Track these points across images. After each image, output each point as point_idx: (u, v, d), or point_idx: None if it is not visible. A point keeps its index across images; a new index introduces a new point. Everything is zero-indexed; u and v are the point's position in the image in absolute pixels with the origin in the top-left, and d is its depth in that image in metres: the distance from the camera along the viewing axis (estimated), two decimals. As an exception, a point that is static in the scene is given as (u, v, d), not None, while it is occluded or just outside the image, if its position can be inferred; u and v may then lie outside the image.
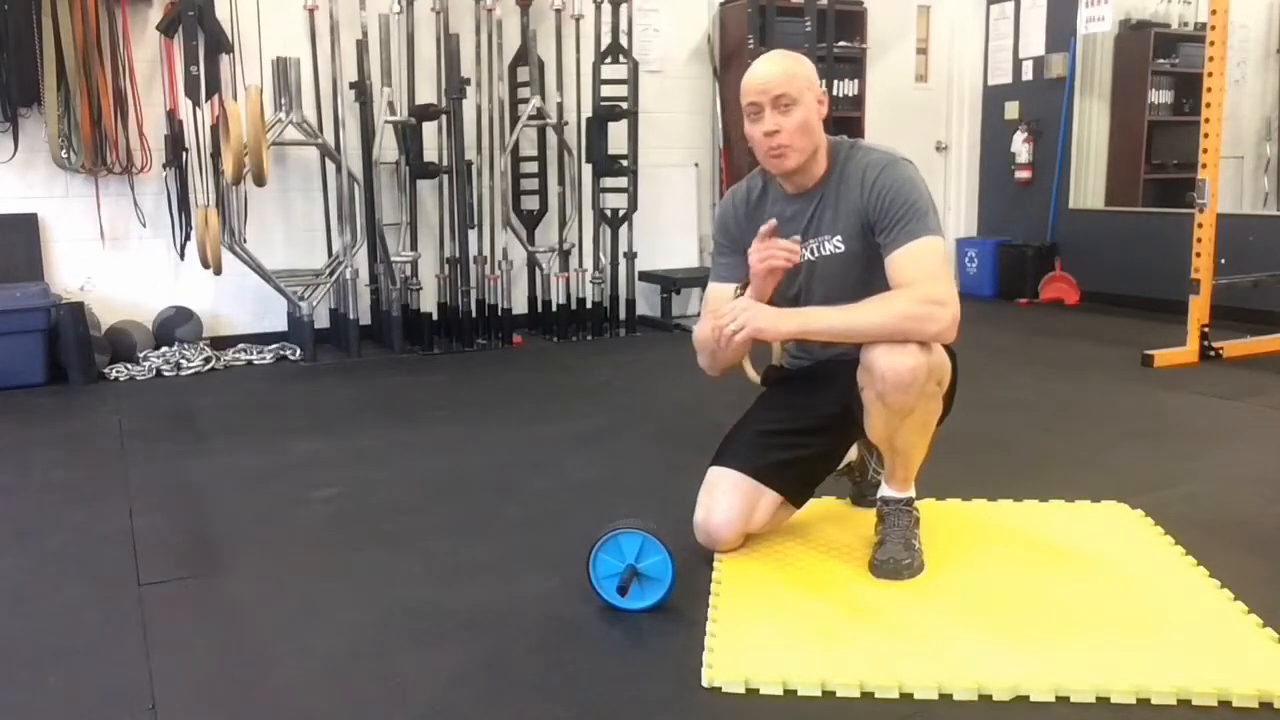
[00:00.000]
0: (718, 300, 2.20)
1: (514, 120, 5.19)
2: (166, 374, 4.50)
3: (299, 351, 4.82)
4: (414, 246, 5.03)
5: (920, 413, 2.02)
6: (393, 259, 4.92)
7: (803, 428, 2.21)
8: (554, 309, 5.35)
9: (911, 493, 2.16)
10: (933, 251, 2.00)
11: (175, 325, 4.73)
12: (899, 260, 2.00)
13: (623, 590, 1.98)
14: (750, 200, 2.23)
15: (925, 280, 1.97)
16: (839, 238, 2.10)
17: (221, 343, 4.85)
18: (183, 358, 4.56)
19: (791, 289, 2.17)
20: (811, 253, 2.14)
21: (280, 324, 5.01)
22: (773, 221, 2.08)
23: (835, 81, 5.96)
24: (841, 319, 1.99)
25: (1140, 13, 6.00)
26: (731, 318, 2.01)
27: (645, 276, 5.59)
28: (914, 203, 2.01)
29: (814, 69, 2.14)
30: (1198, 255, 4.34)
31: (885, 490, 2.17)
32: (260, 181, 4.38)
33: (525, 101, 5.15)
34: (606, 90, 5.29)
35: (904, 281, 1.99)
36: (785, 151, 2.04)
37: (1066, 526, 2.40)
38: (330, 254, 5.09)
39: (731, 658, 1.77)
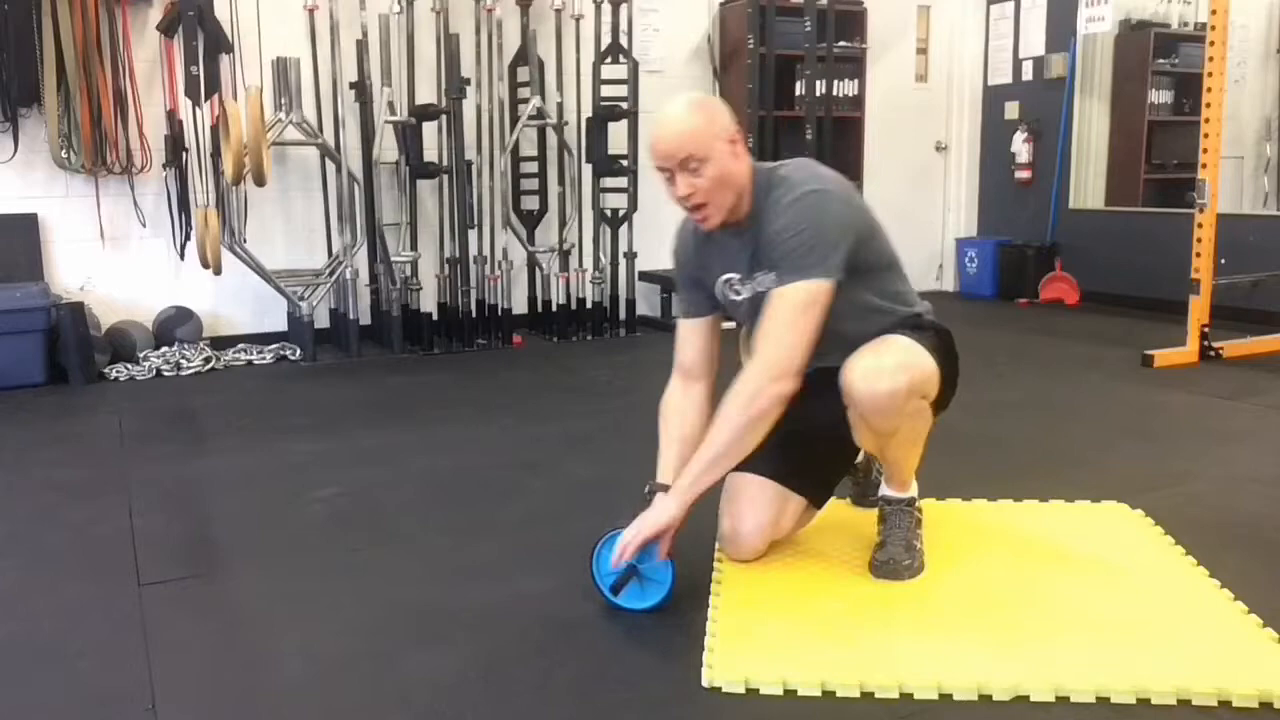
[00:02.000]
0: (682, 339, 2.18)
1: (514, 120, 5.19)
2: (166, 374, 4.50)
3: (299, 351, 4.82)
4: (414, 246, 5.03)
5: (907, 429, 2.01)
6: (393, 259, 4.92)
7: (815, 428, 2.15)
8: (554, 309, 5.35)
9: (912, 493, 2.16)
10: (792, 302, 1.91)
11: (175, 325, 4.73)
12: (766, 308, 1.96)
13: (616, 589, 1.98)
14: (699, 232, 2.12)
15: (768, 343, 1.92)
16: (773, 275, 1.99)
17: (221, 343, 4.85)
18: (183, 358, 4.56)
19: (745, 325, 2.14)
20: (751, 290, 2.05)
21: (280, 324, 5.01)
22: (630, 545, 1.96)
23: (835, 81, 5.96)
24: (712, 462, 1.94)
25: (1140, 13, 6.00)
26: (622, 547, 1.93)
27: (645, 276, 5.59)
28: (797, 246, 1.91)
29: (719, 109, 1.99)
30: (1198, 255, 4.34)
31: (886, 490, 2.17)
32: (260, 181, 4.38)
33: (525, 101, 5.15)
34: (606, 90, 5.28)
35: (760, 334, 1.95)
36: (706, 212, 1.97)
37: (1066, 526, 2.40)
38: (330, 254, 5.09)
39: (731, 658, 1.77)
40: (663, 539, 1.95)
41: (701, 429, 2.03)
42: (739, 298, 2.08)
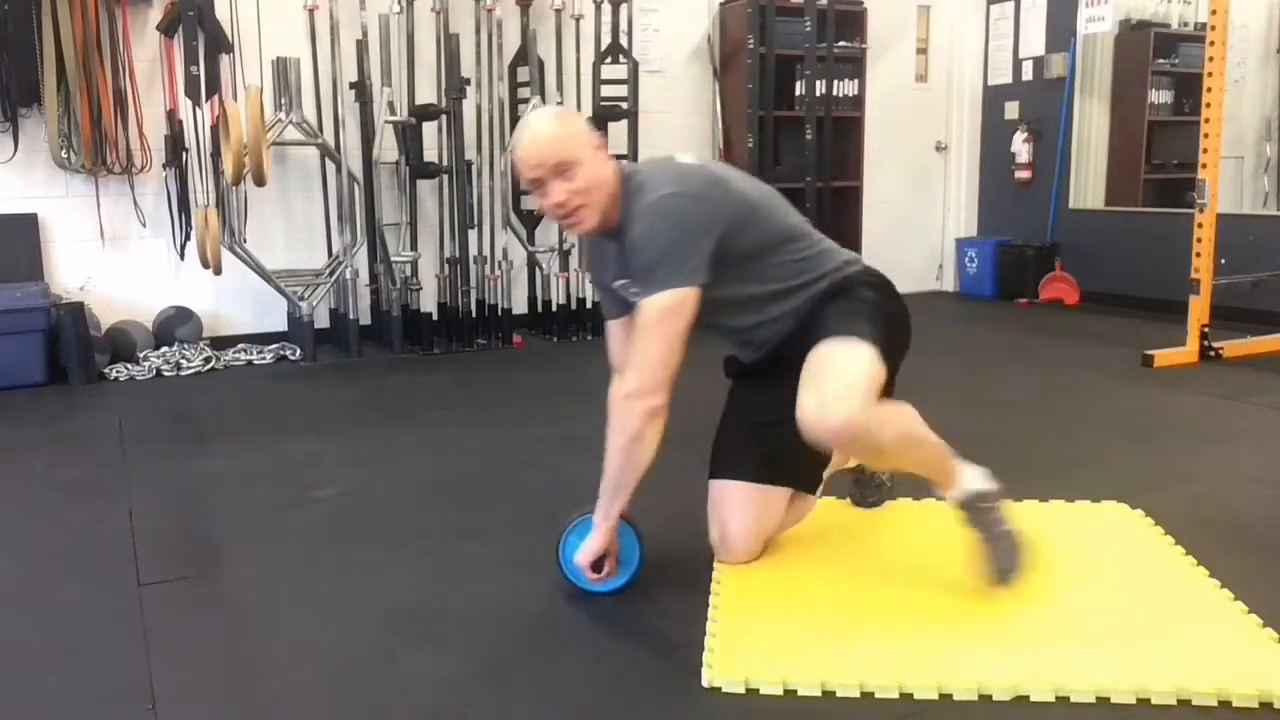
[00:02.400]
0: (610, 340, 2.21)
1: (514, 120, 5.19)
2: (166, 374, 4.50)
3: (299, 351, 4.82)
4: (414, 246, 5.03)
5: (891, 439, 1.94)
6: (393, 259, 4.92)
7: (780, 416, 2.03)
8: (554, 309, 5.35)
9: (969, 485, 2.02)
10: (648, 317, 1.89)
11: (175, 325, 4.73)
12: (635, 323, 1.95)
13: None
14: (590, 236, 2.12)
15: (633, 360, 1.91)
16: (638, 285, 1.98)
17: (221, 343, 4.85)
18: (183, 358, 4.56)
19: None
20: (632, 295, 2.03)
21: (280, 324, 5.01)
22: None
23: (835, 81, 5.96)
24: (614, 490, 1.97)
25: (1140, 13, 6.00)
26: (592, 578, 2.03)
27: (645, 276, 5.59)
28: (651, 256, 1.89)
29: (580, 118, 2.07)
30: (1198, 255, 4.34)
31: (942, 496, 2.09)
32: (260, 181, 4.38)
33: (525, 101, 5.15)
34: (606, 90, 5.29)
35: (630, 353, 1.95)
36: (581, 215, 1.95)
37: (1066, 526, 2.40)
38: (330, 254, 5.09)
39: (731, 658, 1.77)
40: (606, 560, 2.03)
41: None
42: (639, 299, 2.02)
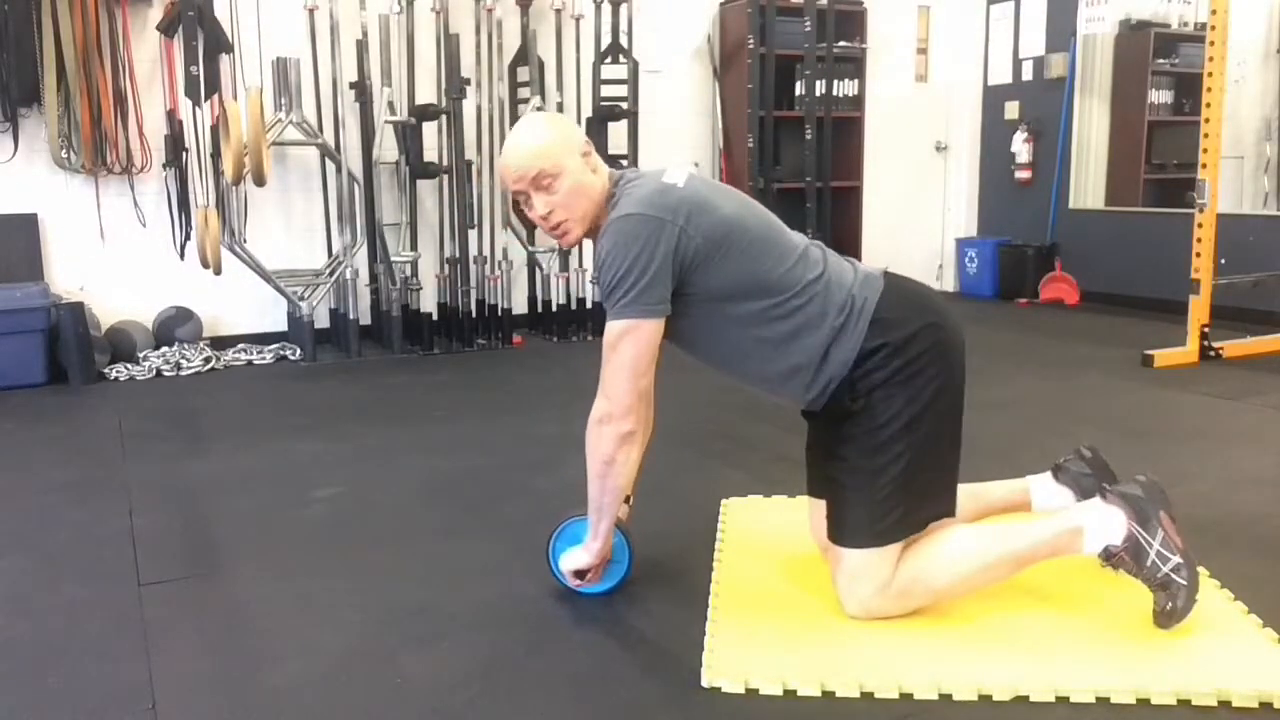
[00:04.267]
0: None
1: (514, 120, 5.19)
2: (166, 374, 4.50)
3: (299, 351, 4.82)
4: (414, 246, 5.03)
5: (952, 591, 1.89)
6: (393, 259, 4.92)
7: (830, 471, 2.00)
8: (554, 309, 5.35)
9: (1088, 551, 1.89)
10: (607, 342, 1.85)
11: (175, 325, 4.74)
12: None
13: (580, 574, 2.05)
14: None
15: (602, 385, 1.87)
16: None
17: (221, 343, 4.85)
18: (183, 358, 4.56)
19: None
20: None
21: (280, 324, 5.01)
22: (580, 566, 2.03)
23: (835, 81, 5.96)
24: (598, 510, 1.95)
25: (1140, 13, 6.00)
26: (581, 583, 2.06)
27: (645, 276, 5.59)
28: (606, 281, 1.83)
29: (568, 124, 2.00)
30: (1198, 255, 4.34)
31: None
32: (260, 181, 4.38)
33: (525, 101, 5.15)
34: (606, 90, 5.29)
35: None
36: (566, 227, 1.92)
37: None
38: (330, 254, 5.09)
39: (731, 658, 1.77)
40: (593, 571, 2.04)
41: (647, 424, 2.06)
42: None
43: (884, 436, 1.84)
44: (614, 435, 1.88)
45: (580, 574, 2.04)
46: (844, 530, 1.89)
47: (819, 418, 1.97)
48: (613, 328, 1.84)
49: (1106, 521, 1.86)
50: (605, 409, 1.87)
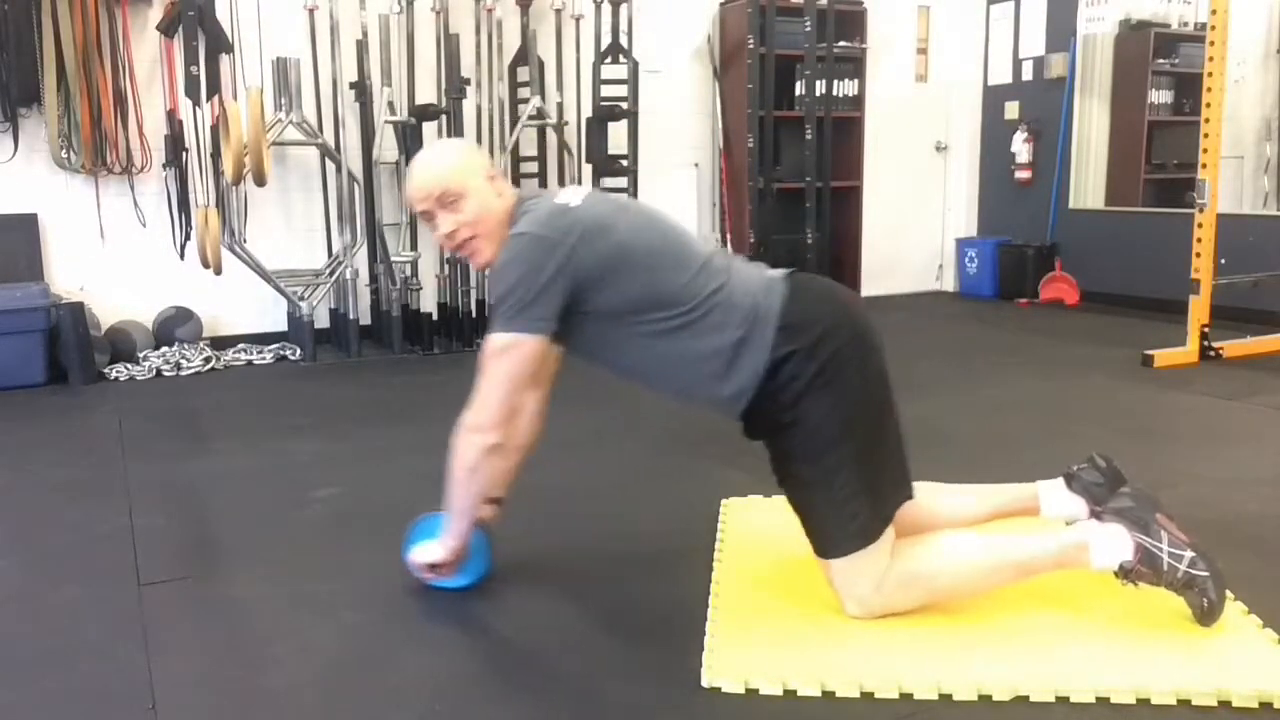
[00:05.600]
0: None
1: (514, 120, 5.19)
2: (166, 374, 4.50)
3: (299, 351, 4.82)
4: (414, 246, 5.03)
5: (954, 591, 1.91)
6: (393, 259, 4.92)
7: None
8: (554, 309, 5.34)
9: (1098, 568, 1.88)
10: (485, 353, 1.88)
11: (175, 325, 4.74)
12: None
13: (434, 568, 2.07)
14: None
15: (476, 394, 1.90)
16: None
17: (221, 343, 4.85)
18: (183, 358, 4.56)
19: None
20: None
21: (280, 324, 5.01)
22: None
23: (835, 81, 5.96)
24: (459, 512, 1.98)
25: (1140, 13, 6.00)
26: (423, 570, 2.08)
27: (645, 276, 5.58)
28: (498, 292, 1.88)
29: (474, 149, 2.04)
30: (1198, 255, 4.34)
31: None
32: (260, 181, 4.38)
33: (525, 101, 5.15)
34: (606, 90, 5.29)
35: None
36: (474, 245, 1.95)
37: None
38: (330, 254, 5.09)
39: (731, 658, 1.77)
40: (445, 566, 2.06)
41: (527, 434, 2.18)
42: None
43: (823, 442, 1.84)
44: (479, 446, 1.91)
45: (433, 567, 2.07)
46: (822, 544, 1.90)
47: (763, 438, 1.97)
48: (495, 340, 1.87)
49: (1112, 539, 1.86)
50: (475, 419, 1.90)
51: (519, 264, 1.83)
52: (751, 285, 1.90)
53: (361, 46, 4.87)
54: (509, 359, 1.86)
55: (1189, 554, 1.82)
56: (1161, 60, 6.05)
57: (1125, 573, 1.84)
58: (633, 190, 5.30)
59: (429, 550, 2.06)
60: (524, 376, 1.89)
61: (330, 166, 5.00)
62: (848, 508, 1.84)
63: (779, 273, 1.96)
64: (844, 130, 6.05)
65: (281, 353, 4.82)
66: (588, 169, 5.36)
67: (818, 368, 1.82)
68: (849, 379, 1.84)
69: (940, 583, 1.90)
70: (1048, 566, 1.90)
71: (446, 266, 5.11)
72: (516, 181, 5.41)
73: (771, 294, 1.88)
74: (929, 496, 2.07)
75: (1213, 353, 4.39)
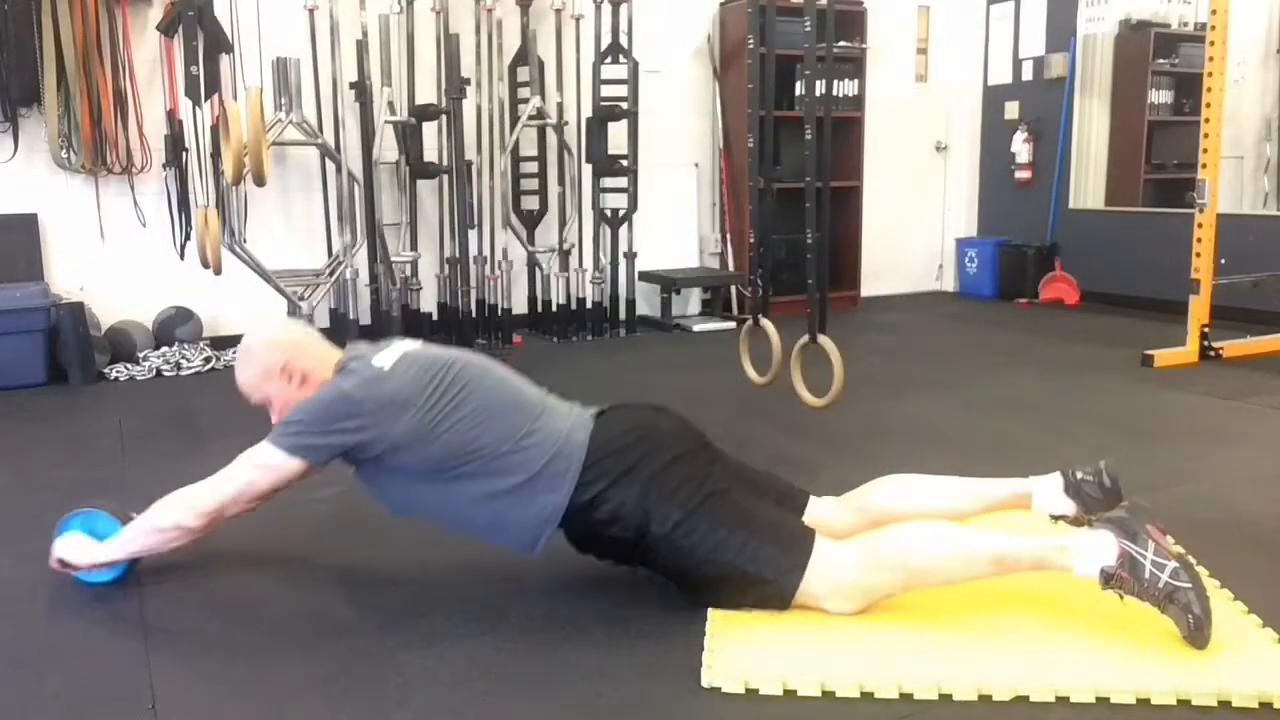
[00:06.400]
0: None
1: (514, 120, 5.19)
2: (166, 374, 4.50)
3: (299, 351, 4.81)
4: (414, 246, 5.03)
5: (918, 579, 1.91)
6: (393, 259, 4.91)
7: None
8: (554, 309, 5.35)
9: (1081, 574, 1.84)
10: (248, 459, 2.00)
11: (175, 325, 4.74)
12: None
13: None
14: None
15: (211, 479, 2.02)
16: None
17: (221, 343, 4.84)
18: (183, 358, 4.56)
19: None
20: None
21: (280, 324, 5.01)
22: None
23: (835, 81, 5.95)
24: (128, 540, 2.09)
25: (1140, 13, 6.00)
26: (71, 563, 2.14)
27: (645, 276, 5.59)
28: (289, 417, 2.01)
29: (264, 351, 2.09)
30: (1198, 255, 4.34)
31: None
32: (260, 181, 4.37)
33: (525, 101, 5.15)
34: (606, 90, 5.29)
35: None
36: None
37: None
38: (330, 254, 5.09)
39: (731, 658, 1.77)
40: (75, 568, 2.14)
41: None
42: None
43: (691, 536, 1.91)
44: (181, 524, 2.02)
45: (64, 563, 2.13)
46: (778, 596, 1.92)
47: (651, 567, 2.01)
48: (263, 453, 1.98)
49: (1098, 544, 1.83)
50: (195, 503, 2.01)
51: (320, 408, 1.97)
52: (557, 430, 2.01)
53: (361, 46, 4.87)
54: (264, 473, 1.98)
55: (1172, 564, 1.78)
56: (1161, 60, 6.06)
57: (1107, 578, 1.80)
58: (633, 190, 5.30)
59: (79, 550, 2.12)
60: (262, 494, 2.01)
61: (330, 166, 5.00)
62: (761, 557, 1.90)
63: (588, 413, 2.09)
64: (844, 130, 6.05)
65: (281, 353, 4.81)
66: (588, 169, 5.36)
67: (638, 493, 1.93)
68: (674, 488, 1.93)
69: (913, 560, 1.88)
70: (1024, 564, 1.87)
71: (446, 267, 5.11)
72: (516, 182, 5.41)
73: (571, 443, 1.99)
74: (902, 483, 2.13)
75: (1213, 353, 4.39)
